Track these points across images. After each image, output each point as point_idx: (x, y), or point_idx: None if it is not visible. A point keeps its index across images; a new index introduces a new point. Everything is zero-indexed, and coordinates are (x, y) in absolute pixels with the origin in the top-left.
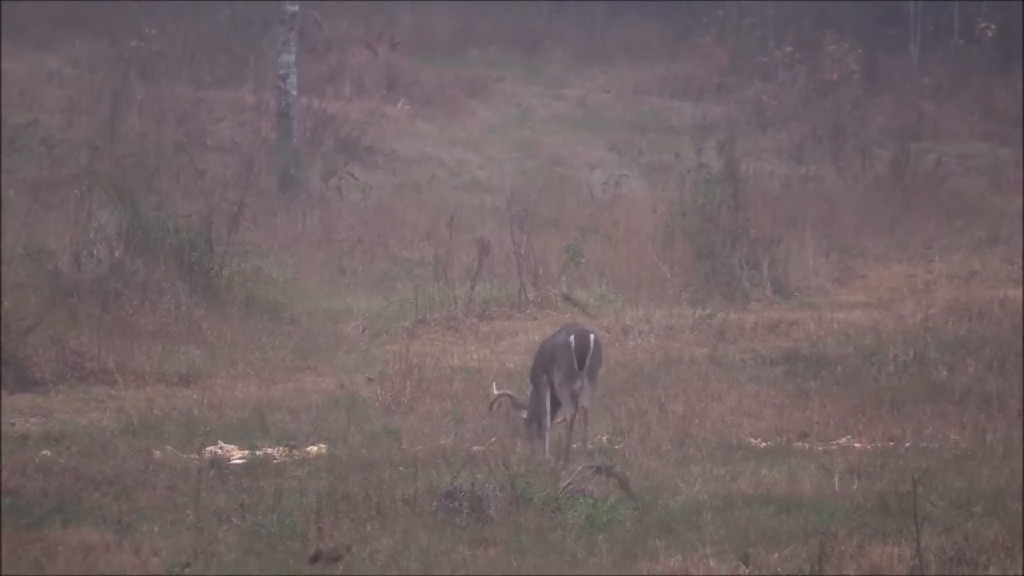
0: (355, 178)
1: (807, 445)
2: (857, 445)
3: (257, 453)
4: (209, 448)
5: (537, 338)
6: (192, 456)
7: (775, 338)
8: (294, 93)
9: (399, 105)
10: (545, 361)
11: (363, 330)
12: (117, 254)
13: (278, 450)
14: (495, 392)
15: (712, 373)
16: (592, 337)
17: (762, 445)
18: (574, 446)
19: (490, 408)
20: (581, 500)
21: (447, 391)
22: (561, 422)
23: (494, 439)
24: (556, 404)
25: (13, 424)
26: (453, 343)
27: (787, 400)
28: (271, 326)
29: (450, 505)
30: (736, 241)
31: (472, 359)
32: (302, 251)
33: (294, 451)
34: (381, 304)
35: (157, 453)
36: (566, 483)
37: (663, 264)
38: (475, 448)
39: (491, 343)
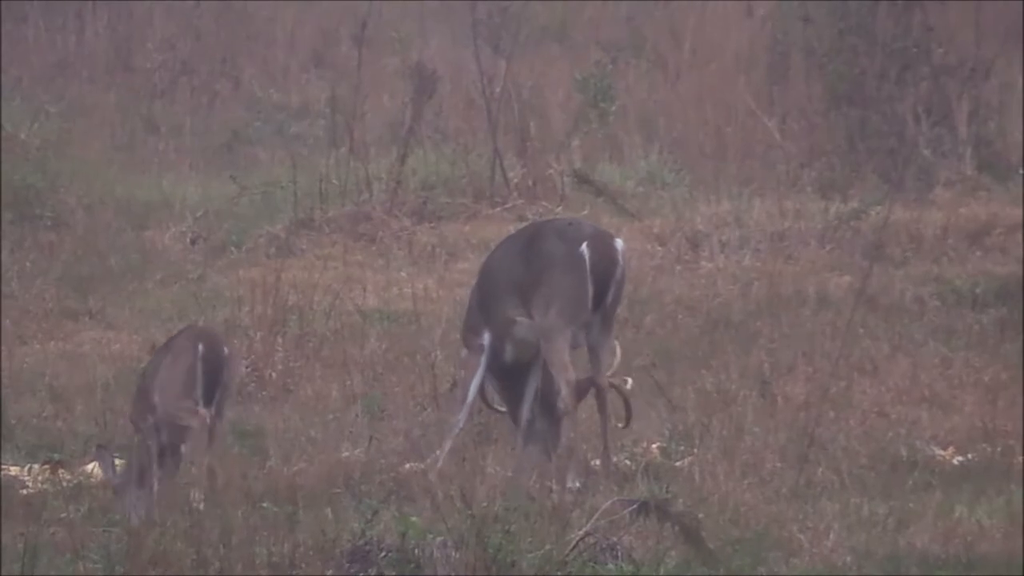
0: None
1: None
2: None
3: None
4: None
5: None
6: None
7: (980, 257)
8: None
9: None
10: (505, 290)
11: (192, 241)
12: None
13: (29, 470)
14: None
15: (861, 323)
16: (620, 244)
17: (956, 460)
18: (594, 462)
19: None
20: (609, 566)
21: (354, 357)
22: (525, 424)
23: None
24: (517, 379)
25: None
26: (365, 265)
27: (1004, 375)
28: (17, 233)
29: (359, 575)
30: (908, 70)
31: (401, 295)
32: (77, 90)
33: (60, 472)
34: (227, 191)
35: None
36: (581, 532)
37: (766, 115)
38: (407, 466)
39: (437, 265)
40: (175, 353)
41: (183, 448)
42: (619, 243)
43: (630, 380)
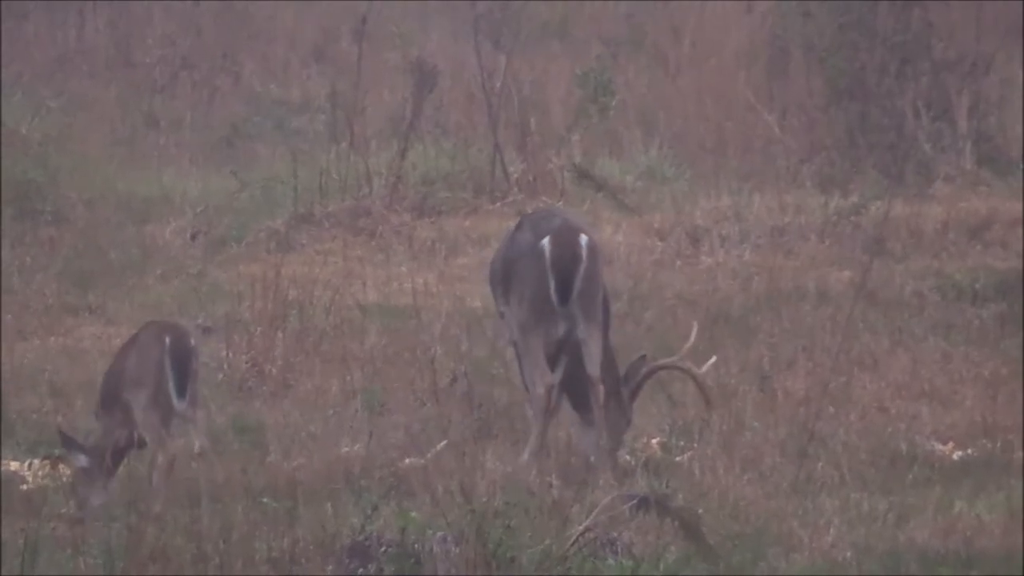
0: None
1: None
2: None
3: None
4: None
5: None
6: None
7: (980, 251)
8: None
9: None
10: (501, 283)
11: (193, 236)
12: None
13: (29, 465)
14: None
15: (861, 318)
16: (584, 240)
17: (956, 455)
18: (592, 458)
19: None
20: (609, 561)
21: (354, 352)
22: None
23: (444, 443)
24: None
25: None
26: (365, 260)
27: (1004, 370)
28: (18, 228)
29: (359, 571)
30: (908, 65)
31: (401, 290)
32: (77, 85)
33: (60, 467)
34: (227, 186)
35: None
36: (581, 528)
37: (766, 110)
38: (407, 462)
39: (437, 260)
40: (141, 349)
41: (154, 477)
42: (584, 239)
43: (714, 358)
